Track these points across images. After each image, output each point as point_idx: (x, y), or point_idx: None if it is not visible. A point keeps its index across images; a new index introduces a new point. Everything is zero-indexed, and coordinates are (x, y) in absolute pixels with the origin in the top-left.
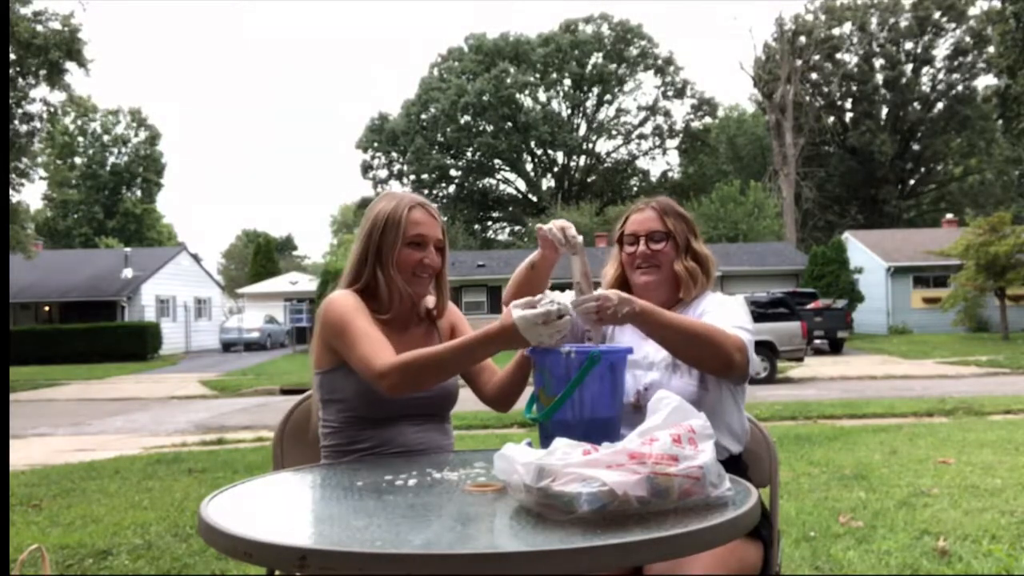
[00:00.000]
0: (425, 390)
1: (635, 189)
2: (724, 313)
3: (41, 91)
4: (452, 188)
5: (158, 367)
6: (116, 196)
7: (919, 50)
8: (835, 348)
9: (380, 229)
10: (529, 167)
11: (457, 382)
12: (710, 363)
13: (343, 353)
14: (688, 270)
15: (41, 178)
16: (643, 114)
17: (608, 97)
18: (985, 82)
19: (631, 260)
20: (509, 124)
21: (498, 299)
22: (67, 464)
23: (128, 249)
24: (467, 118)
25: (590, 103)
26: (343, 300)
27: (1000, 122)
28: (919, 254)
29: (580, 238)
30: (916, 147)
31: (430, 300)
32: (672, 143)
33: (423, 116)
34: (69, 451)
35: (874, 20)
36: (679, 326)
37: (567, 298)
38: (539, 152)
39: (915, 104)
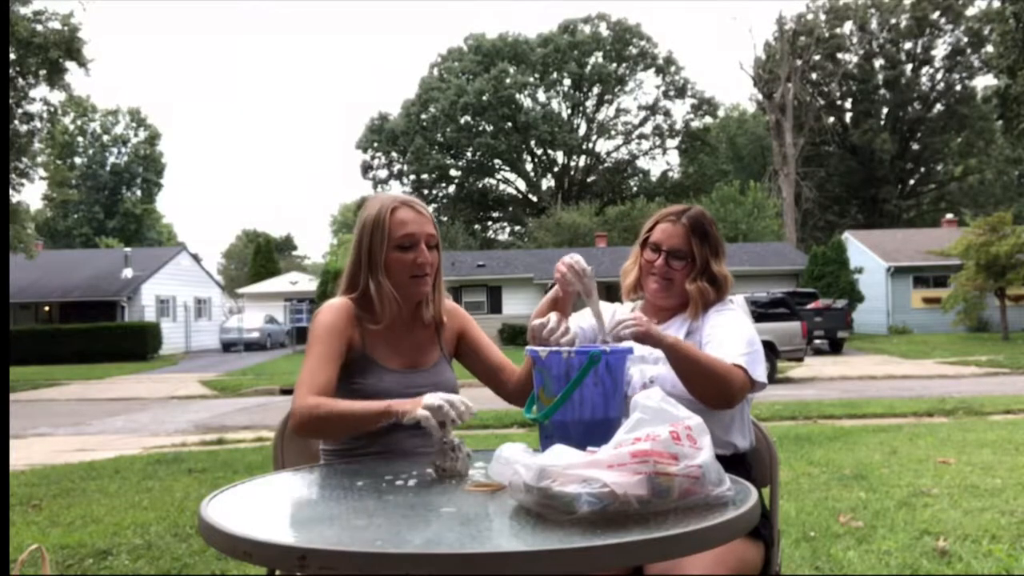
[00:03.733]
0: (325, 439)
1: (635, 189)
2: (730, 337)
3: (41, 91)
4: (452, 188)
5: (158, 367)
6: (116, 196)
7: (918, 50)
8: (835, 348)
9: (368, 235)
10: (529, 167)
11: (458, 387)
12: (713, 400)
13: (311, 334)
14: (700, 290)
15: (41, 178)
16: (643, 114)
17: (608, 97)
18: (984, 82)
19: (648, 267)
20: (509, 124)
21: (498, 299)
22: (67, 464)
23: (128, 249)
24: (467, 118)
25: (590, 103)
26: (326, 314)
27: (1000, 122)
28: (919, 254)
29: (590, 270)
30: (916, 147)
31: (428, 309)
32: (672, 143)
33: (423, 116)
34: (69, 451)
35: (874, 20)
36: (699, 364)
37: (582, 320)
38: (539, 152)
39: (915, 104)
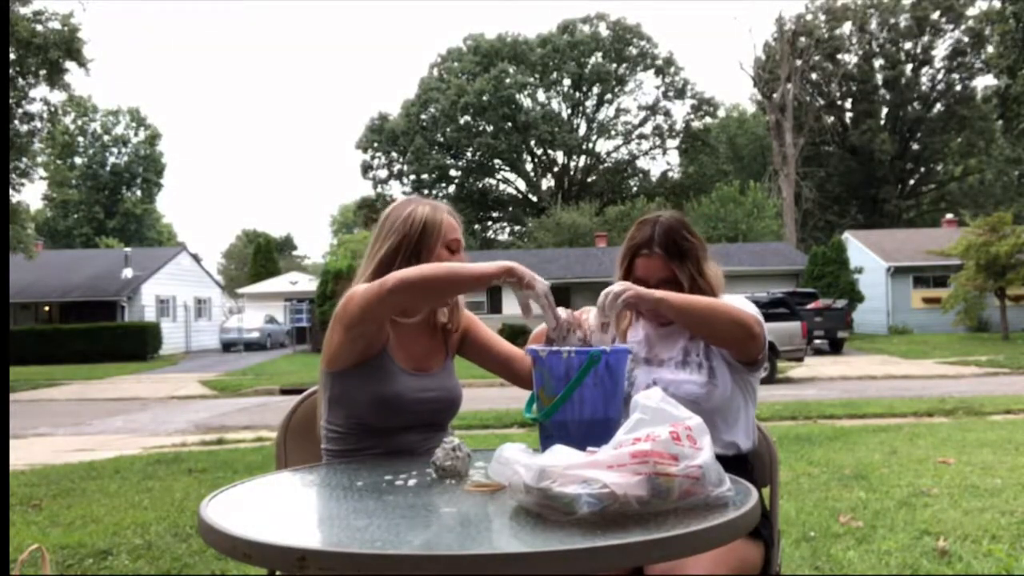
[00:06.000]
0: (428, 300)
1: (635, 189)
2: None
3: (41, 91)
4: (452, 188)
5: (158, 367)
6: (116, 196)
7: (918, 50)
8: (835, 348)
9: (419, 231)
10: (529, 167)
11: (461, 389)
12: (732, 334)
13: (353, 307)
14: None
15: (41, 178)
16: (643, 114)
17: (608, 97)
18: (984, 82)
19: None
20: (509, 124)
21: (498, 299)
22: (67, 464)
23: (128, 249)
24: (467, 118)
25: (590, 103)
26: (360, 286)
27: (1000, 122)
28: (919, 254)
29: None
30: (916, 147)
31: (444, 313)
32: (672, 143)
33: (423, 116)
34: (69, 451)
35: (874, 20)
36: (698, 305)
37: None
38: (539, 152)
39: (915, 104)
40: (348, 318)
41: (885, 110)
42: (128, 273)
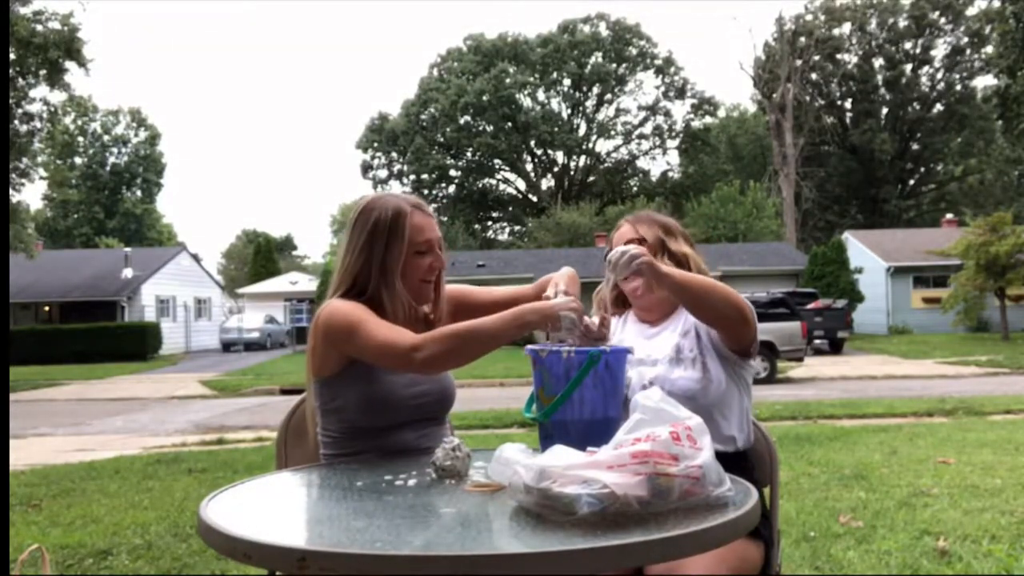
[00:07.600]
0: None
1: (635, 189)
2: None
3: (41, 91)
4: (452, 188)
5: (158, 367)
6: (116, 196)
7: (918, 50)
8: (835, 348)
9: (384, 239)
10: (529, 167)
11: (452, 379)
12: (728, 316)
13: (360, 350)
14: None
15: (41, 178)
16: (643, 114)
17: (608, 97)
18: (984, 82)
19: None
20: (509, 124)
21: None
22: (67, 464)
23: (128, 249)
24: (467, 118)
25: (590, 103)
26: (347, 305)
27: (1000, 122)
28: (919, 254)
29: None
30: (916, 147)
31: (428, 304)
32: (672, 143)
33: (423, 116)
34: (69, 451)
35: (873, 20)
36: (697, 282)
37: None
38: (539, 152)
39: (915, 104)
40: (345, 348)
41: (885, 110)
42: (128, 273)
